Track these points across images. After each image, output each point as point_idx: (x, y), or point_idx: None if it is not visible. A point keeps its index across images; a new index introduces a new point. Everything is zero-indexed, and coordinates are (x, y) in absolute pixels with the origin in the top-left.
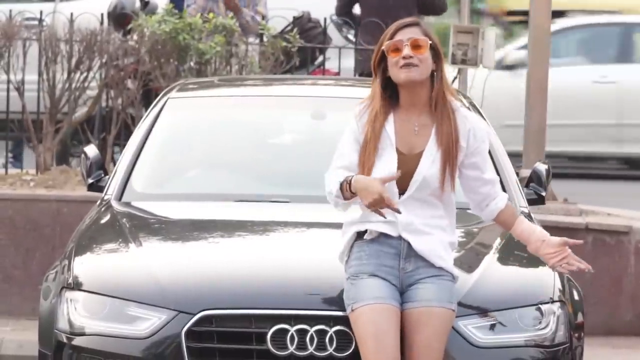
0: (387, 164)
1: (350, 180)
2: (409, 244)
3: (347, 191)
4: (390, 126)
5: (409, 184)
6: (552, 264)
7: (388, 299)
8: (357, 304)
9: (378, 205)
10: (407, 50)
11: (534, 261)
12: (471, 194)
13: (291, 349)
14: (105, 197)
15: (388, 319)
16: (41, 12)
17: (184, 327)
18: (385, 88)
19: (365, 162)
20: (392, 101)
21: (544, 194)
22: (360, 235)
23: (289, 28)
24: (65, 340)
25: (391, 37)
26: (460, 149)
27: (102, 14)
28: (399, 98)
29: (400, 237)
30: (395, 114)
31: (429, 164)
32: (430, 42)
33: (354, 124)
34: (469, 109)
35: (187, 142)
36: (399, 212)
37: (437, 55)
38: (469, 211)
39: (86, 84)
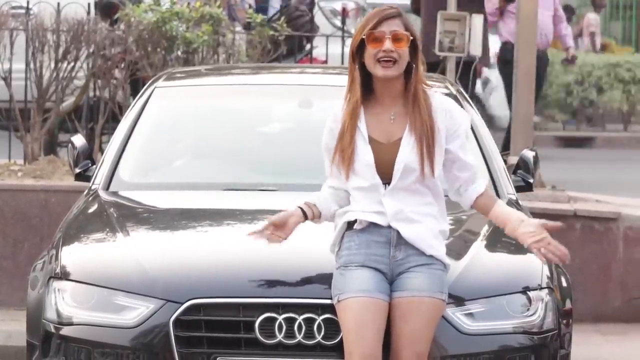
0: (363, 157)
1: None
2: (398, 232)
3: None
4: (361, 120)
5: (392, 174)
6: (529, 242)
7: (374, 292)
8: (343, 296)
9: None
10: (388, 44)
11: (522, 248)
12: (451, 178)
13: (279, 337)
14: (93, 187)
15: (372, 313)
16: (28, 2)
17: (171, 316)
18: (362, 75)
19: (345, 152)
20: (366, 89)
21: (531, 181)
22: (350, 225)
23: (276, 16)
24: (53, 330)
25: (373, 27)
26: (437, 133)
27: (89, 4)
28: (373, 86)
29: (390, 226)
30: (369, 104)
31: (409, 150)
32: (412, 37)
33: (328, 135)
34: (455, 96)
35: (174, 131)
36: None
37: (414, 49)
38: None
39: (73, 74)
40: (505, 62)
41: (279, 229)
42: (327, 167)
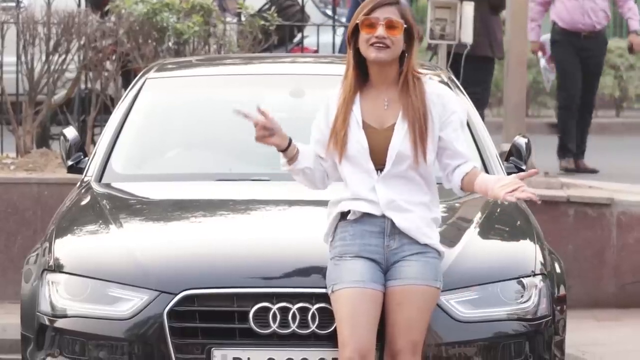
0: (357, 141)
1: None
2: (392, 221)
3: (287, 155)
4: (355, 104)
5: (385, 160)
6: (502, 195)
7: (368, 283)
8: (338, 286)
9: (262, 133)
10: (381, 30)
11: (515, 235)
12: (442, 166)
13: (273, 327)
14: (85, 179)
15: (366, 303)
16: None
17: (166, 307)
18: (357, 61)
19: (338, 135)
20: (362, 74)
21: (524, 167)
22: (344, 215)
23: (266, 6)
24: (47, 322)
25: (368, 13)
26: (429, 120)
27: None
28: (369, 72)
29: (383, 216)
30: (364, 89)
31: (401, 137)
32: (406, 25)
33: (321, 114)
34: (447, 83)
35: (166, 122)
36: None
37: (410, 37)
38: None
39: (65, 66)
40: (552, 43)
41: (266, 129)
42: (312, 140)
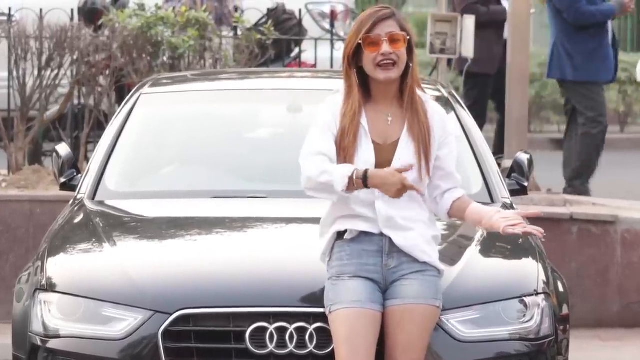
0: (365, 155)
1: (362, 176)
2: (390, 240)
3: (357, 186)
4: (363, 118)
5: None
6: (502, 226)
7: (366, 303)
8: (335, 307)
9: (402, 193)
10: (386, 47)
11: (517, 253)
12: (432, 187)
13: (270, 347)
14: (78, 197)
15: (364, 323)
16: (10, 9)
17: (160, 327)
18: (360, 79)
19: (347, 152)
20: (364, 92)
21: (526, 184)
22: (340, 235)
23: (263, 20)
24: (39, 343)
25: (369, 31)
26: (432, 137)
27: (72, 10)
28: (371, 89)
29: (381, 234)
30: (367, 105)
31: (406, 153)
32: (408, 37)
33: (328, 115)
34: (447, 99)
35: (160, 138)
36: (423, 194)
37: (410, 48)
38: None
39: (57, 82)
40: None
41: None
42: (315, 141)
